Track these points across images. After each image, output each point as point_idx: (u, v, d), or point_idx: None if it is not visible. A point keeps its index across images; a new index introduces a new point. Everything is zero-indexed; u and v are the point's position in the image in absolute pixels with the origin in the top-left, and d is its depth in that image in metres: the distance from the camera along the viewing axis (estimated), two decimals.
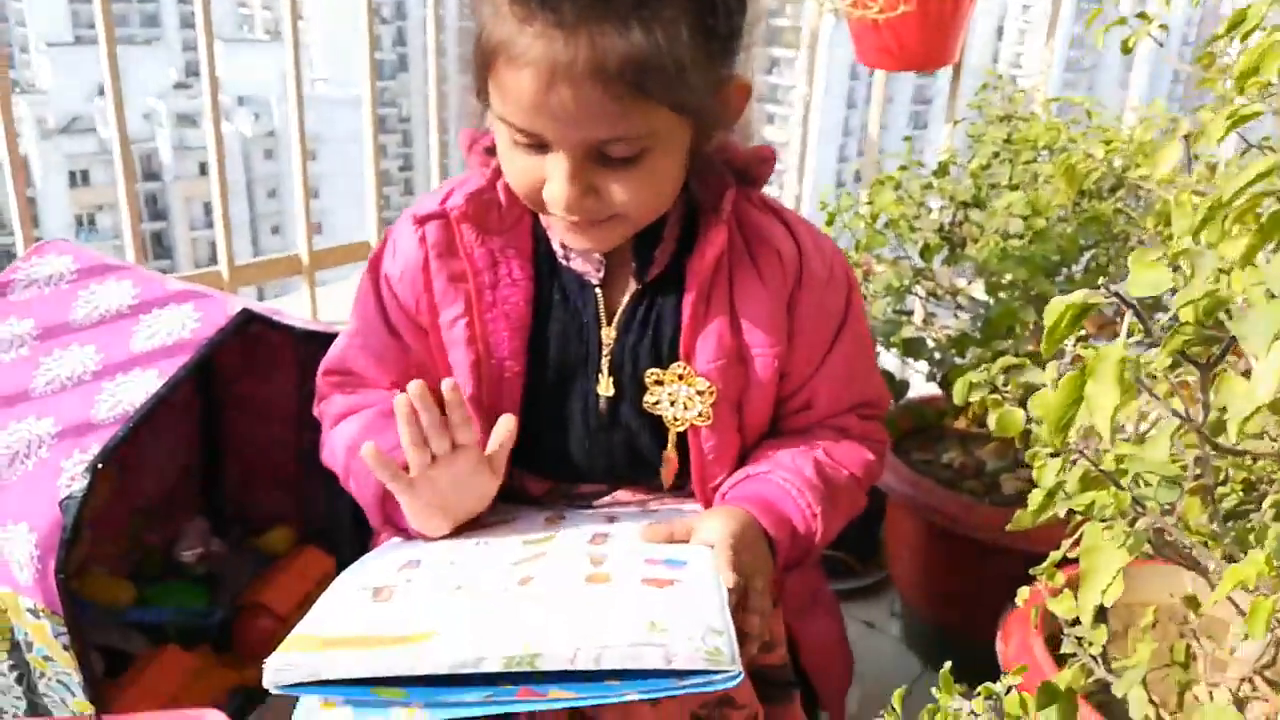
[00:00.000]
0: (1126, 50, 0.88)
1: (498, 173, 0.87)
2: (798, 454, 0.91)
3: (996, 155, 1.36)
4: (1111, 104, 1.51)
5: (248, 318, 1.15)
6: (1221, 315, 0.54)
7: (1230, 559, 0.70)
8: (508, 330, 0.89)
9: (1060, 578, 0.84)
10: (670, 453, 0.92)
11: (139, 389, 1.02)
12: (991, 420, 0.83)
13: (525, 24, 0.72)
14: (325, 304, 2.19)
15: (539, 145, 0.78)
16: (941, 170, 1.53)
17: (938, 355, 1.20)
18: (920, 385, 1.50)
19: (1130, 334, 0.56)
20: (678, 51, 0.73)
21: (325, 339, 1.22)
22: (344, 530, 1.25)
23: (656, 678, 0.64)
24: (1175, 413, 0.61)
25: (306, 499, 1.45)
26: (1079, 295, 0.55)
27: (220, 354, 1.30)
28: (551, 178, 0.78)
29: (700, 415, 0.88)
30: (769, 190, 0.95)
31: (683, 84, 0.74)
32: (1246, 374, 0.56)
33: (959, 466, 1.42)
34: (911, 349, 1.22)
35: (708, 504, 0.93)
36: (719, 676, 0.64)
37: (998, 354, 1.06)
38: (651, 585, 0.73)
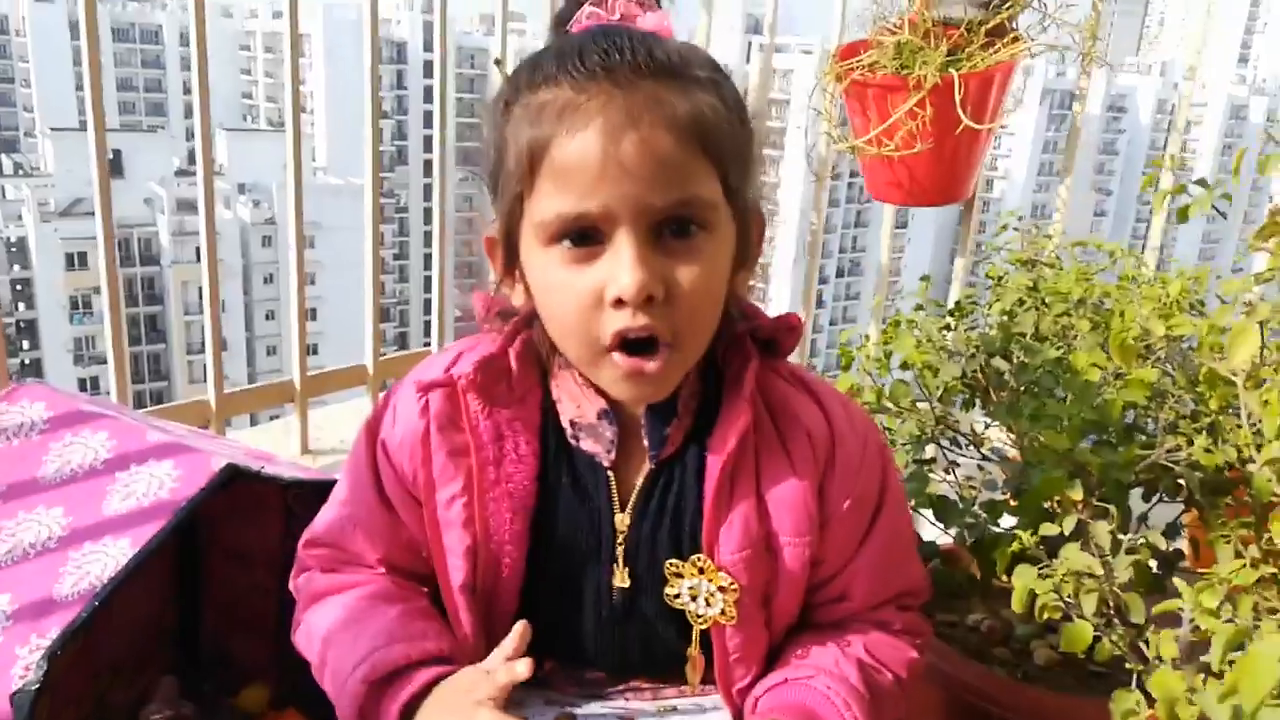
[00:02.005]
0: (1184, 218, 0.83)
1: (510, 339, 0.83)
2: (839, 655, 0.83)
3: (1021, 302, 1.31)
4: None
5: (232, 474, 1.07)
6: None
7: None
8: (510, 511, 0.82)
9: None
10: (695, 651, 0.83)
11: (109, 560, 0.94)
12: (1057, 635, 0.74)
13: (580, 94, 0.71)
14: (322, 426, 2.12)
15: (594, 239, 0.73)
16: (960, 311, 1.47)
17: (970, 520, 1.12)
18: (939, 535, 1.41)
19: None
20: (730, 122, 0.75)
21: (314, 487, 1.14)
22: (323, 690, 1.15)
23: None
24: None
25: (285, 652, 1.35)
26: None
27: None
28: (617, 268, 0.72)
29: (723, 614, 0.80)
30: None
31: (735, 158, 0.75)
32: None
33: (986, 631, 1.32)
34: (943, 513, 1.13)
35: (733, 706, 0.84)
36: None
37: (1036, 524, 0.98)
38: None
